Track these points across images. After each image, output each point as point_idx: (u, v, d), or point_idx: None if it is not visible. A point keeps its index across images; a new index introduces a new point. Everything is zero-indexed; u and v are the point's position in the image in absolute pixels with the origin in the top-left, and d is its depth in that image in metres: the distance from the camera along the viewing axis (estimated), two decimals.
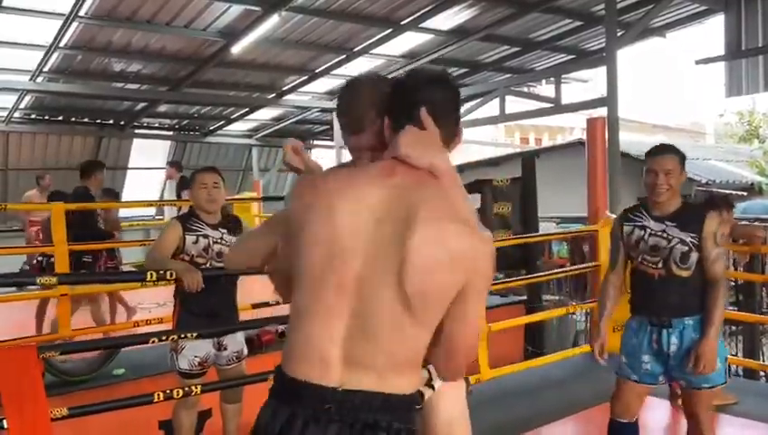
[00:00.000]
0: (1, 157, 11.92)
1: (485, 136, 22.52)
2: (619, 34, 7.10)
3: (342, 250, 1.26)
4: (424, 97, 1.40)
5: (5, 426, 2.48)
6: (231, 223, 3.29)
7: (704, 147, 18.80)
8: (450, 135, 1.43)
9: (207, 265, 3.13)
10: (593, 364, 4.80)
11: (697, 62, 7.39)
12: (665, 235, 2.59)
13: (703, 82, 28.66)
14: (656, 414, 4.01)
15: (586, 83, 11.08)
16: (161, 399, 2.93)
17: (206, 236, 3.15)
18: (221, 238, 3.19)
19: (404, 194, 1.28)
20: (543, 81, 10.15)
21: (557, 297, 7.08)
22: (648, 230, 2.63)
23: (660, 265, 2.59)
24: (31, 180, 12.34)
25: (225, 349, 3.16)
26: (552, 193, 7.89)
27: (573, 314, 6.40)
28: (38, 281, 2.45)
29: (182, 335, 2.99)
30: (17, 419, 2.44)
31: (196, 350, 3.09)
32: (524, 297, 6.37)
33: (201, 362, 3.11)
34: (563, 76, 9.02)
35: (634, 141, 11.31)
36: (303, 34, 8.33)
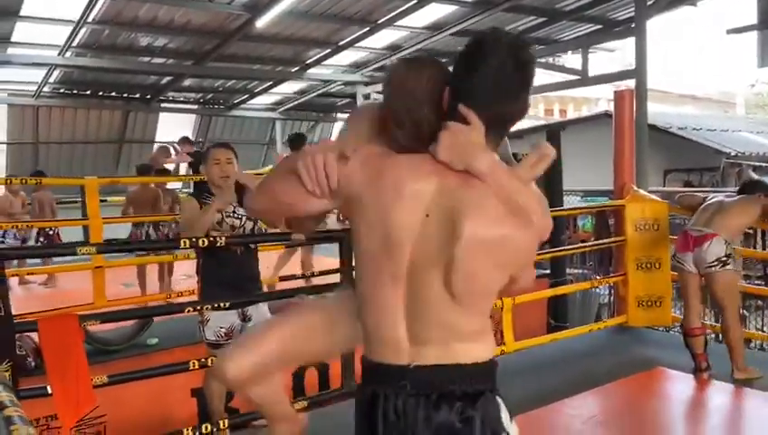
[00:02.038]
0: (32, 131, 12.15)
1: None
2: (648, 3, 6.93)
3: (399, 240, 1.31)
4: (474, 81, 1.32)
5: (50, 392, 2.62)
6: (242, 196, 3.32)
7: (734, 118, 18.36)
8: (506, 119, 1.37)
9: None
10: (616, 338, 4.93)
11: (729, 32, 7.18)
12: None
13: (734, 52, 27.76)
14: (681, 389, 4.03)
15: (612, 53, 10.84)
16: (197, 367, 3.06)
17: (218, 211, 3.23)
18: (233, 212, 3.25)
19: (451, 195, 1.30)
20: (570, 52, 9.95)
21: (581, 271, 7.08)
22: None
23: None
24: (62, 154, 12.65)
25: (250, 320, 3.25)
26: (578, 166, 7.83)
27: (597, 288, 6.42)
28: (78, 251, 2.54)
29: (211, 306, 3.08)
30: (61, 385, 2.57)
31: (220, 321, 3.18)
32: (548, 271, 6.40)
33: (227, 332, 3.20)
34: (591, 47, 8.85)
35: (660, 113, 11.11)
36: (327, 7, 8.28)
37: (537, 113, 27.59)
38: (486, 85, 1.31)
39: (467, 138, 1.31)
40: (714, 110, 22.62)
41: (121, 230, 6.98)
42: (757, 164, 10.61)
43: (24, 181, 5.39)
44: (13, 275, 6.01)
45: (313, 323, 1.60)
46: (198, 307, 3.13)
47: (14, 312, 2.66)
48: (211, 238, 3.01)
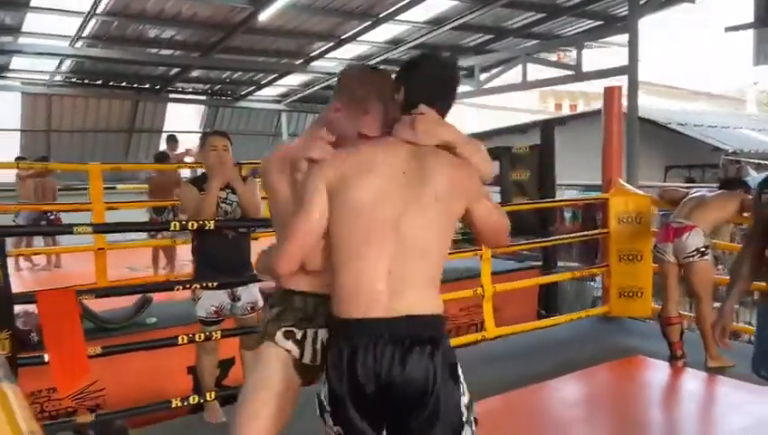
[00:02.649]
0: (44, 119, 12.42)
1: (518, 102, 22.32)
2: (642, 1, 7.03)
3: (384, 198, 1.58)
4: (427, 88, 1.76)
5: (46, 360, 2.83)
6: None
7: (741, 115, 18.31)
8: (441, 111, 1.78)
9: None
10: (598, 327, 5.08)
11: (727, 30, 7.27)
12: None
13: (733, 49, 27.49)
14: (657, 375, 4.18)
15: (623, 48, 10.84)
16: (185, 341, 3.26)
17: (221, 187, 3.38)
18: (226, 199, 3.43)
19: (419, 154, 1.66)
20: (573, 49, 10.04)
21: (575, 264, 7.20)
22: None
23: None
24: (73, 142, 12.92)
25: (239, 299, 3.43)
26: (579, 160, 7.93)
27: (593, 281, 6.56)
28: (75, 230, 2.74)
29: (201, 286, 3.27)
30: (58, 354, 2.77)
31: (211, 299, 3.36)
32: (540, 263, 6.55)
33: (216, 310, 3.39)
34: (587, 42, 8.94)
35: (661, 109, 11.16)
36: (329, 1, 8.46)
37: (547, 107, 27.62)
38: (426, 88, 1.76)
39: (435, 120, 1.72)
40: (726, 107, 22.50)
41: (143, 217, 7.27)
42: (758, 161, 10.63)
43: (30, 167, 5.59)
44: (18, 255, 6.28)
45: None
46: (188, 286, 3.32)
47: (19, 290, 2.86)
48: (201, 222, 3.19)
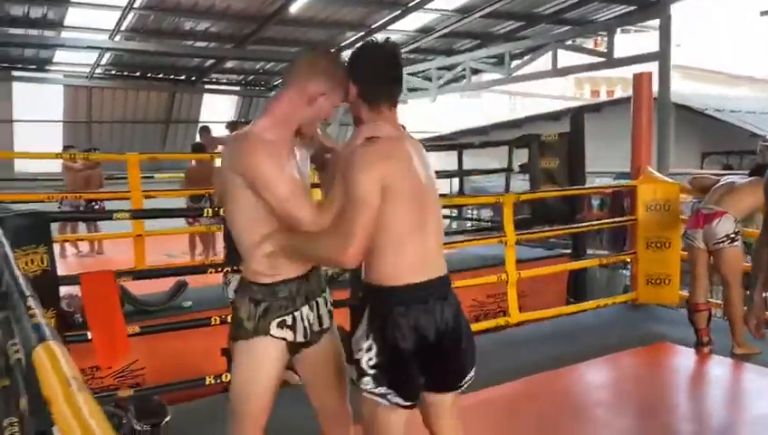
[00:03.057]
0: (86, 110, 12.83)
1: (553, 89, 22.06)
2: None
3: (421, 185, 1.83)
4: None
5: (89, 338, 3.01)
6: None
7: None
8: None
9: None
10: (625, 314, 5.09)
11: (762, 14, 7.12)
12: None
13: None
14: (683, 362, 4.19)
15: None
16: (218, 322, 3.42)
17: None
18: None
19: (409, 141, 1.90)
20: (601, 35, 9.92)
21: (604, 252, 7.18)
22: None
23: None
24: (113, 132, 13.32)
25: None
26: (614, 147, 7.86)
27: (624, 269, 6.54)
28: (114, 216, 2.90)
29: (232, 269, 3.42)
30: (99, 331, 2.96)
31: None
32: (569, 251, 6.55)
33: None
34: (624, 27, 8.81)
35: (698, 94, 10.93)
36: None
37: (583, 94, 27.19)
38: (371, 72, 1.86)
39: None
40: None
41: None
42: None
43: (72, 157, 5.84)
44: (63, 241, 6.57)
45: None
46: (220, 270, 3.47)
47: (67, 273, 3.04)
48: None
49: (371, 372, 1.77)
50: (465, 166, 7.28)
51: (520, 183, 7.42)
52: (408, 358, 1.77)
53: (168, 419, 3.18)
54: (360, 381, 1.80)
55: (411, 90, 11.58)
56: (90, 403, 0.65)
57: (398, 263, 1.79)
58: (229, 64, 12.23)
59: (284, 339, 1.89)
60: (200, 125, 10.09)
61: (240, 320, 1.89)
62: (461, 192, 7.72)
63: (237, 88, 14.15)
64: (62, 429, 0.63)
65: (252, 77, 13.61)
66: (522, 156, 6.75)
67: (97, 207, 7.12)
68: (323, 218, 1.78)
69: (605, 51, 8.46)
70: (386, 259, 1.78)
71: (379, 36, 1.92)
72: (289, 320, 1.88)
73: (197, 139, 8.73)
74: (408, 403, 1.81)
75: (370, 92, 1.84)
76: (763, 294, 2.38)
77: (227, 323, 3.45)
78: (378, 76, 1.85)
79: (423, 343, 1.77)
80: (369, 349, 1.77)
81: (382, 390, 1.77)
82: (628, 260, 5.52)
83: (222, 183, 1.88)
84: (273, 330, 1.87)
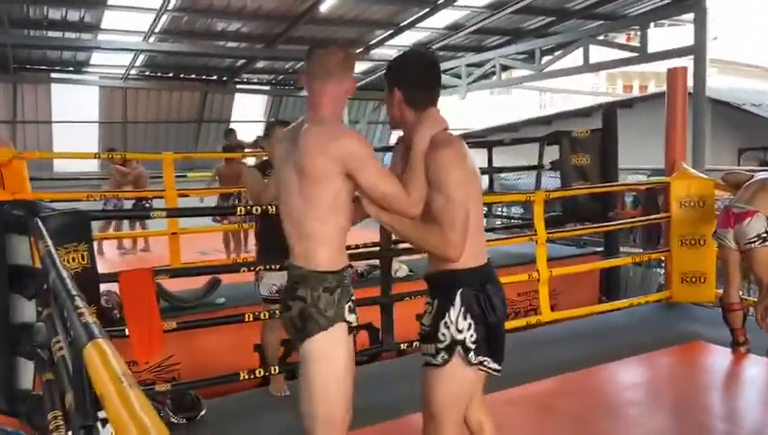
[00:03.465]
0: (121, 110, 13.12)
1: (584, 85, 21.75)
2: None
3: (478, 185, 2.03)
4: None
5: (127, 333, 3.10)
6: None
7: None
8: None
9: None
10: (659, 313, 5.02)
11: None
12: None
13: None
14: (718, 361, 4.12)
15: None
16: (251, 319, 3.48)
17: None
18: None
19: None
20: (634, 29, 9.75)
21: (637, 250, 7.07)
22: None
23: None
24: (147, 132, 13.60)
25: None
26: (647, 143, 7.73)
27: (659, 267, 6.44)
28: (151, 215, 2.98)
29: (265, 268, 3.47)
30: (137, 327, 3.04)
31: (273, 279, 3.56)
32: (601, 249, 6.47)
33: (278, 289, 3.59)
34: (658, 21, 8.65)
35: (735, 89, 10.66)
36: None
37: (615, 89, 26.75)
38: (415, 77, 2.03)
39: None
40: None
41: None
42: None
43: (110, 156, 5.99)
44: (102, 238, 6.74)
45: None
46: (253, 268, 3.54)
47: (105, 271, 3.13)
48: (264, 207, 3.39)
49: (474, 346, 1.94)
50: (495, 163, 7.24)
51: (551, 180, 7.36)
52: (501, 326, 2.01)
53: (203, 412, 3.26)
54: (468, 355, 1.94)
55: (441, 87, 11.53)
56: (141, 399, 0.69)
57: (479, 246, 2.00)
58: (260, 64, 12.37)
59: (350, 324, 1.99)
60: (227, 127, 10.24)
61: (320, 311, 1.92)
62: (491, 189, 7.69)
63: (267, 87, 14.30)
64: (115, 423, 0.67)
65: (282, 76, 13.74)
66: (552, 153, 6.69)
67: (148, 205, 7.28)
68: (416, 200, 1.91)
69: (638, 45, 8.30)
70: (470, 243, 1.94)
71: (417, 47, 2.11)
72: (353, 304, 2.01)
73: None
74: (499, 366, 2.02)
75: (415, 96, 1.99)
76: None
77: (260, 319, 3.54)
78: (421, 81, 2.01)
79: (504, 313, 2.02)
80: (470, 327, 1.94)
81: (481, 358, 1.96)
82: (663, 258, 5.44)
83: (284, 176, 1.99)
84: (347, 314, 1.98)
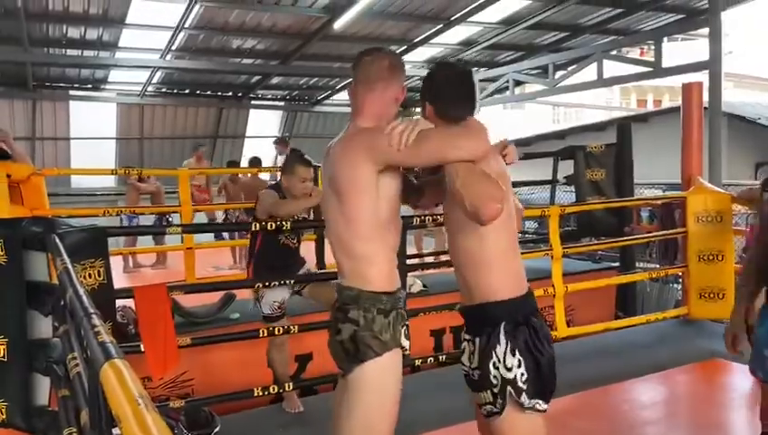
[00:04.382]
0: (138, 127, 13.28)
1: (598, 99, 21.70)
2: None
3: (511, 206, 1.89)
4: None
5: (142, 349, 3.11)
6: None
7: None
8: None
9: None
10: (676, 330, 4.95)
11: None
12: None
13: None
14: (737, 380, 4.05)
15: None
16: (266, 334, 3.48)
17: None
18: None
19: None
20: (649, 44, 9.73)
21: (654, 265, 6.99)
22: None
23: None
24: (163, 148, 13.75)
25: (301, 295, 3.68)
26: (663, 158, 7.68)
27: (676, 283, 6.36)
28: (168, 230, 3.00)
29: (265, 284, 3.47)
30: (152, 342, 3.05)
31: (274, 296, 3.57)
32: (617, 264, 6.42)
33: (279, 305, 3.59)
34: (672, 36, 8.63)
35: (751, 103, 10.58)
36: (402, 6, 8.61)
37: (629, 104, 26.66)
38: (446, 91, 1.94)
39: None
40: None
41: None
42: None
43: (127, 172, 6.06)
44: (116, 254, 6.78)
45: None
46: (267, 284, 3.54)
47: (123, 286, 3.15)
48: (279, 223, 3.40)
49: (525, 386, 1.75)
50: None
51: (565, 195, 7.32)
52: (553, 364, 1.82)
53: (217, 429, 3.26)
54: (520, 398, 1.76)
55: (473, 99, 11.56)
56: (158, 422, 0.69)
57: (518, 271, 1.86)
58: (274, 80, 12.48)
59: (404, 350, 1.84)
60: (196, 142, 10.26)
61: (374, 335, 1.77)
62: None
63: (282, 103, 14.42)
64: None
65: (296, 92, 13.84)
66: (566, 168, 6.66)
67: (169, 220, 7.35)
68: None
69: (652, 60, 8.28)
70: (509, 265, 1.84)
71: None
72: (407, 329, 1.86)
73: (243, 153, 8.91)
74: (546, 407, 1.82)
75: (446, 109, 1.89)
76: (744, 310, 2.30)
77: (275, 335, 3.54)
78: (452, 94, 1.91)
79: (552, 350, 1.83)
80: (519, 364, 1.75)
81: (534, 401, 1.77)
82: (680, 274, 5.37)
83: (324, 192, 1.92)
84: (403, 340, 1.83)
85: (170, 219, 7.35)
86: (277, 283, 3.48)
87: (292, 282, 3.57)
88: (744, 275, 2.38)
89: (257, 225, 3.42)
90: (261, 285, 3.53)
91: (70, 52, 9.90)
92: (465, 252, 1.84)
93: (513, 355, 1.75)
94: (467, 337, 1.89)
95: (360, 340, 1.77)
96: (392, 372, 1.80)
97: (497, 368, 1.76)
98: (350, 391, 1.80)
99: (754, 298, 2.30)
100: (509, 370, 1.75)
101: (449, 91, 1.90)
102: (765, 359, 2.18)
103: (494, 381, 1.77)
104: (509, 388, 1.76)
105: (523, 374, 1.75)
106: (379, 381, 1.78)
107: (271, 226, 3.32)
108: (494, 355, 1.77)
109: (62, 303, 1.83)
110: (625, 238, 5.68)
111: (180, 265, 5.47)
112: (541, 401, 1.79)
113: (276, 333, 3.50)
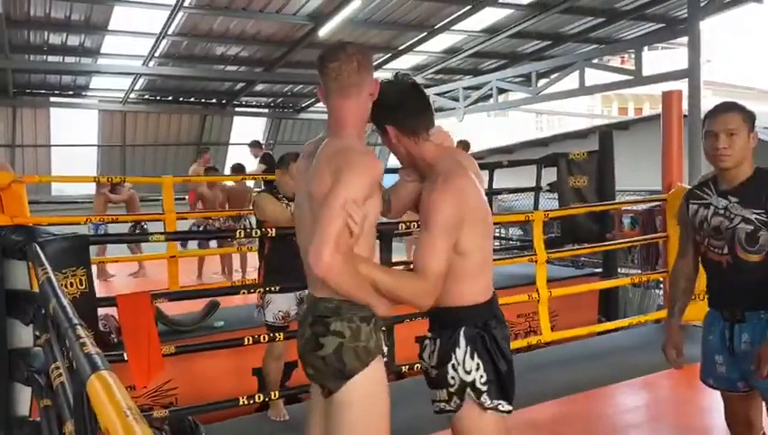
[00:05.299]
0: (120, 134, 13.16)
1: (580, 107, 21.94)
2: (702, 3, 6.88)
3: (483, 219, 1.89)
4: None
5: (125, 358, 3.08)
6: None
7: None
8: None
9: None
10: (660, 333, 4.99)
11: None
12: (726, 213, 2.13)
13: None
14: None
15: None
16: (250, 342, 3.46)
17: (288, 206, 3.61)
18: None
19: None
20: (630, 53, 9.88)
21: (636, 271, 7.07)
22: (712, 209, 2.17)
23: (725, 250, 2.14)
24: (146, 155, 13.64)
25: (304, 302, 3.61)
26: (644, 165, 7.78)
27: (657, 288, 6.42)
28: (150, 238, 2.98)
29: (267, 290, 3.46)
30: (135, 351, 3.02)
31: (278, 304, 3.55)
32: (599, 270, 6.48)
33: (284, 315, 3.57)
34: (652, 45, 8.78)
35: None
36: (386, 14, 8.66)
37: (610, 111, 26.98)
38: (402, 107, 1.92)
39: None
40: None
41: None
42: None
43: (110, 179, 6.01)
44: (98, 262, 6.71)
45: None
46: (254, 290, 3.53)
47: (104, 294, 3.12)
48: (264, 229, 3.39)
49: (485, 388, 1.80)
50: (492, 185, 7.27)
51: (548, 202, 7.38)
52: (512, 365, 1.87)
53: None
54: (480, 398, 1.80)
55: (438, 110, 11.64)
56: (147, 433, 0.68)
57: (485, 284, 1.89)
58: (259, 87, 12.46)
59: (384, 356, 1.79)
60: (200, 147, 10.21)
61: (361, 346, 1.71)
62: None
63: (266, 110, 14.39)
64: None
65: (281, 99, 13.83)
66: (549, 175, 6.73)
67: (143, 227, 7.28)
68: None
69: (633, 69, 8.41)
70: (475, 282, 1.85)
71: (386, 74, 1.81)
72: (383, 334, 1.81)
73: (228, 159, 8.88)
74: (511, 408, 1.87)
75: (414, 125, 1.85)
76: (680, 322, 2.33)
77: (260, 342, 3.52)
78: (414, 107, 1.87)
79: (510, 352, 1.88)
80: (478, 368, 1.80)
81: (496, 402, 1.82)
82: (661, 279, 5.43)
83: (299, 203, 1.85)
84: (383, 346, 1.79)
85: (144, 227, 7.29)
86: (275, 289, 3.43)
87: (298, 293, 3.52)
88: (673, 290, 2.40)
89: (242, 232, 3.41)
90: (266, 291, 3.50)
91: (51, 58, 9.82)
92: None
93: (473, 358, 1.80)
94: (429, 335, 1.93)
95: (346, 352, 1.70)
96: (381, 381, 1.76)
97: (456, 369, 1.81)
98: (338, 412, 1.72)
99: (683, 313, 2.38)
100: (468, 372, 1.80)
101: (410, 105, 1.86)
102: (717, 365, 2.21)
103: (452, 382, 1.82)
104: (468, 389, 1.81)
105: (482, 376, 1.80)
106: (372, 393, 1.73)
107: (256, 232, 3.31)
108: (453, 357, 1.81)
109: (44, 312, 1.80)
110: (607, 243, 5.74)
111: (159, 275, 5.41)
112: (504, 402, 1.83)
113: (262, 340, 3.48)
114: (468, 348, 1.80)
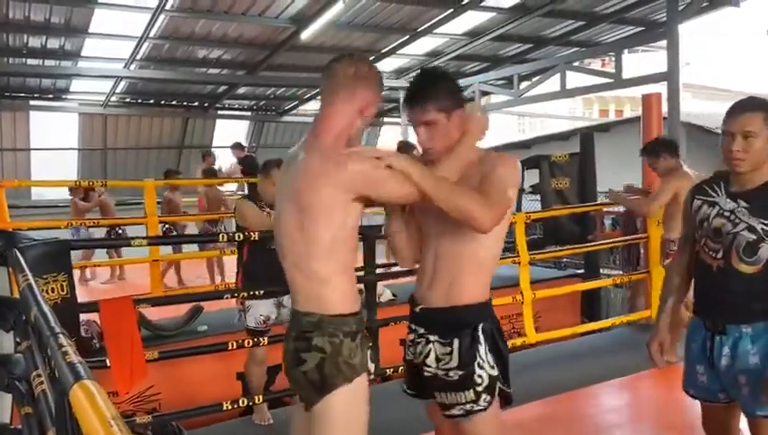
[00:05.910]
0: (101, 137, 13.01)
1: (562, 109, 22.12)
2: (681, 7, 6.99)
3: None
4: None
5: (108, 364, 3.05)
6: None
7: None
8: None
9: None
10: (642, 333, 5.05)
11: None
12: (732, 217, 2.01)
13: None
14: None
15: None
16: (234, 347, 3.45)
17: (269, 214, 3.61)
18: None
19: None
20: (610, 56, 10.00)
21: (618, 272, 7.15)
22: (717, 209, 2.05)
23: (720, 254, 2.02)
24: (127, 159, 13.52)
25: (285, 307, 3.61)
26: (624, 166, 7.86)
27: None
28: (132, 243, 2.96)
29: (249, 295, 3.45)
30: (118, 357, 2.99)
31: (260, 309, 3.54)
32: (582, 271, 6.54)
33: (265, 320, 3.57)
34: (632, 48, 8.89)
35: (709, 113, 10.92)
36: (368, 17, 8.67)
37: (591, 114, 27.23)
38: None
39: None
40: None
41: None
42: None
43: (91, 183, 5.95)
44: (81, 267, 6.65)
45: None
46: (236, 295, 3.52)
47: (84, 300, 3.09)
48: (247, 234, 3.38)
49: (501, 380, 1.87)
50: None
51: (530, 204, 7.45)
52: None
53: None
54: (509, 389, 1.90)
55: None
56: None
57: (489, 281, 1.93)
58: (241, 90, 12.40)
59: (370, 374, 1.78)
60: (203, 150, 10.20)
61: (345, 361, 1.67)
62: None
63: (249, 113, 14.32)
64: None
65: (263, 102, 13.77)
66: (532, 177, 6.78)
67: (120, 232, 7.22)
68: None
69: (613, 71, 8.51)
70: (486, 278, 1.91)
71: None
72: (370, 351, 1.78)
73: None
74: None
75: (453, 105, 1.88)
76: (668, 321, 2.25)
77: (244, 347, 3.51)
78: (451, 90, 1.90)
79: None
80: (494, 365, 1.85)
81: (509, 390, 1.90)
82: (639, 278, 5.50)
83: (282, 213, 1.78)
84: (369, 363, 1.76)
85: (120, 231, 7.24)
86: (260, 293, 3.43)
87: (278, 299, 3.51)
88: (666, 288, 2.30)
89: (225, 235, 3.39)
90: (246, 296, 3.49)
91: (30, 61, 9.68)
92: (459, 256, 1.84)
93: (492, 353, 1.85)
94: (441, 340, 1.86)
95: (328, 368, 1.67)
96: (362, 400, 1.73)
97: (482, 367, 1.82)
98: (317, 426, 1.70)
99: (674, 311, 2.30)
100: (492, 367, 1.84)
101: (449, 90, 1.86)
102: (698, 374, 2.12)
103: (479, 381, 1.81)
104: (498, 384, 1.85)
105: (493, 369, 1.85)
106: (353, 410, 1.70)
107: (238, 236, 3.30)
108: (478, 356, 1.82)
109: (25, 319, 1.78)
110: (589, 244, 5.80)
111: (139, 280, 5.36)
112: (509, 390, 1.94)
113: (246, 344, 3.47)
114: (487, 344, 1.84)
